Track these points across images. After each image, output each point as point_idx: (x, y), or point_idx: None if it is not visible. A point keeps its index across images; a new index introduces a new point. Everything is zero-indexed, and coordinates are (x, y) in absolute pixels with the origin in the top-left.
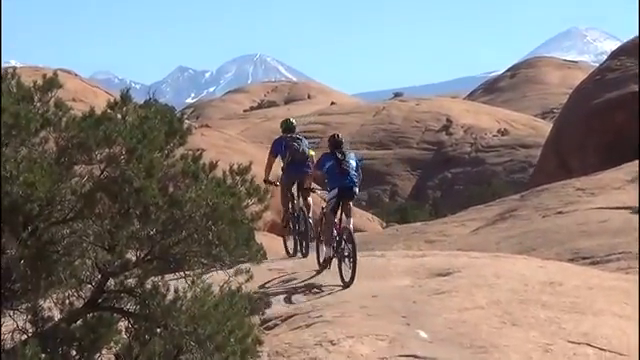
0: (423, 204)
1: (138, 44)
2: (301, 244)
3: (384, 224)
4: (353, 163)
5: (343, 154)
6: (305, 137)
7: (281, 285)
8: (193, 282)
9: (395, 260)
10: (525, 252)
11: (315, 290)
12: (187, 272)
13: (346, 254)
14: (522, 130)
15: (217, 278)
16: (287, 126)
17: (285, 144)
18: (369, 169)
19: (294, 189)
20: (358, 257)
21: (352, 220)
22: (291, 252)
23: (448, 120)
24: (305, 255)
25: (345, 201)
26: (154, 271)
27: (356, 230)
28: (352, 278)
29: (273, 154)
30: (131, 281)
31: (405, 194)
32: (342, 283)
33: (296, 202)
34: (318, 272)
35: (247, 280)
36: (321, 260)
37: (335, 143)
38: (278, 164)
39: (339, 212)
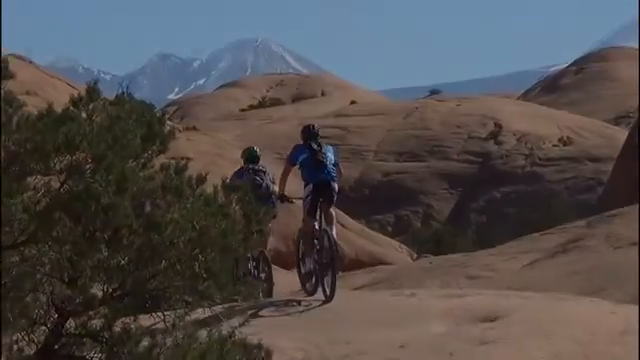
0: (464, 230)
1: (108, 26)
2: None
3: (415, 255)
4: (331, 156)
5: (319, 145)
6: None
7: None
8: (174, 325)
9: (428, 300)
10: (592, 293)
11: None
12: (167, 312)
13: (325, 262)
14: (590, 139)
15: (204, 320)
16: (249, 155)
17: (246, 178)
18: (397, 185)
19: None
20: (368, 296)
21: (334, 228)
22: None
23: (497, 125)
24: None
25: (324, 202)
26: (125, 310)
27: (381, 262)
28: (332, 292)
29: None
30: (96, 322)
31: (442, 217)
32: (324, 297)
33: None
34: (302, 289)
35: (242, 323)
36: (302, 272)
37: (310, 134)
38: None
39: (317, 214)
